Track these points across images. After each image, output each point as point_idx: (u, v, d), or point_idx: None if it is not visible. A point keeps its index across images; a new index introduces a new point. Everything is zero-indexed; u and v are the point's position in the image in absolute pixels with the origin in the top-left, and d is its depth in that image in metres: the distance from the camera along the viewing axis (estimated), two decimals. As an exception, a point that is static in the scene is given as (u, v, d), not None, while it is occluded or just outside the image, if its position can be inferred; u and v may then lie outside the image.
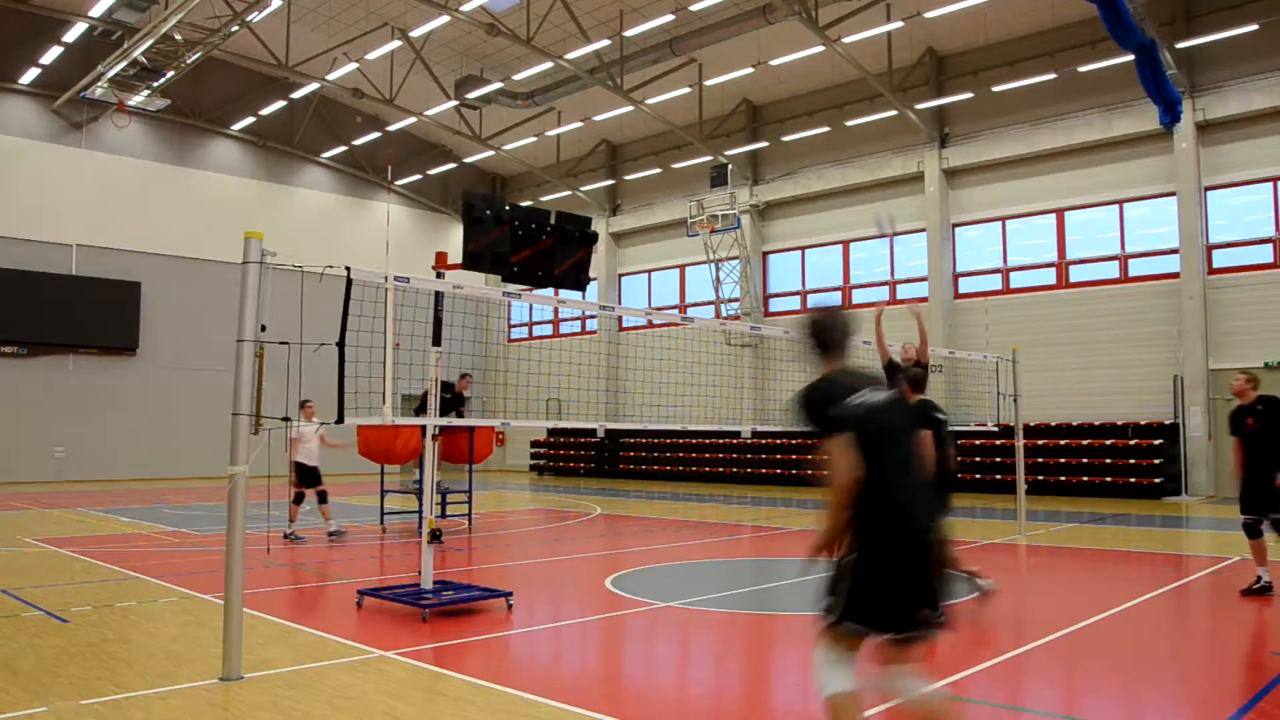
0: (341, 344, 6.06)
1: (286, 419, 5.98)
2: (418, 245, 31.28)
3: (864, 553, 3.54)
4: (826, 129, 24.67)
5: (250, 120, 28.23)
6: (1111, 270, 21.12)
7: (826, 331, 3.89)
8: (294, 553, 11.26)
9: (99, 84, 22.68)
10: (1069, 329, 21.21)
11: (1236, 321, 19.25)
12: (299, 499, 12.59)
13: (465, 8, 20.40)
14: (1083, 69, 20.42)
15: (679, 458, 27.99)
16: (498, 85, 25.16)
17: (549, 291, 8.10)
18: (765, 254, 27.35)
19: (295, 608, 7.83)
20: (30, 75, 24.65)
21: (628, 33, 22.22)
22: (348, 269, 6.15)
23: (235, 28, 20.78)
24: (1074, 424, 20.76)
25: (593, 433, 30.21)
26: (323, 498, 12.66)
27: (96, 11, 21.14)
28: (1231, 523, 7.48)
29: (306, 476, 12.58)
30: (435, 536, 7.42)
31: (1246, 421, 8.07)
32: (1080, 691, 5.38)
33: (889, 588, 3.49)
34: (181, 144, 27.92)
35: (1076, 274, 21.62)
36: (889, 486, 3.54)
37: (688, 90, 24.79)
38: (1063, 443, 20.57)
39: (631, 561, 10.88)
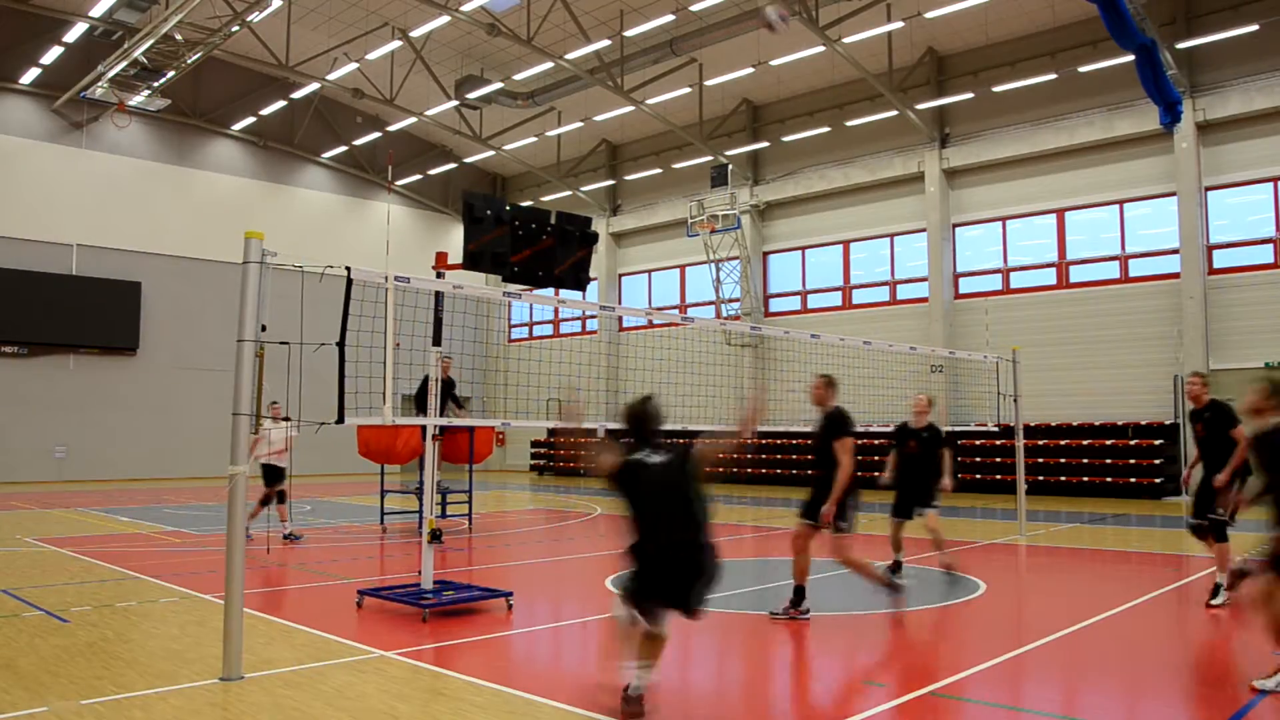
0: (342, 344, 6.06)
1: (287, 418, 5.98)
2: (418, 245, 31.30)
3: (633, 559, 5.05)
4: (827, 129, 24.67)
5: (251, 120, 28.23)
6: (1112, 270, 21.11)
7: (639, 421, 5.31)
8: (294, 553, 11.26)
9: (99, 84, 22.69)
10: (1069, 329, 21.21)
11: (1237, 322, 19.25)
12: (277, 498, 12.42)
13: (465, 8, 20.40)
14: (1083, 69, 20.42)
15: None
16: (498, 85, 25.15)
17: (549, 291, 8.10)
18: (765, 254, 27.35)
19: (295, 608, 7.83)
20: (31, 75, 24.66)
21: (628, 33, 22.22)
22: (348, 269, 6.14)
23: (235, 28, 20.79)
24: (1074, 424, 20.76)
25: (593, 433, 30.13)
26: (281, 498, 12.42)
27: (97, 11, 21.14)
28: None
29: (271, 476, 12.46)
30: (435, 536, 7.43)
31: (1195, 428, 8.16)
32: (1080, 691, 5.38)
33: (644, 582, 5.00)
34: (182, 144, 27.93)
35: (1077, 274, 21.62)
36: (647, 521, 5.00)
37: (688, 90, 24.79)
38: (1063, 443, 20.56)
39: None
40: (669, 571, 4.93)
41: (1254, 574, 5.78)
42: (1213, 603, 7.77)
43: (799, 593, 7.33)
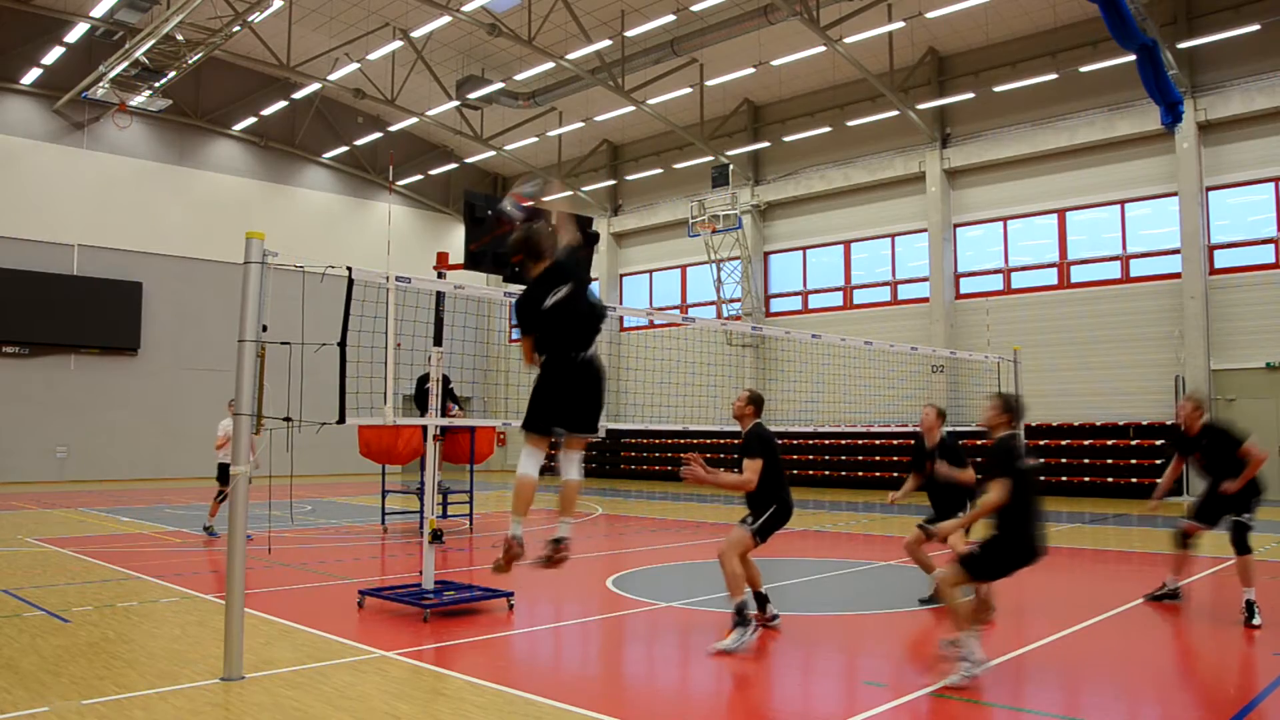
0: (343, 344, 6.07)
1: (288, 419, 5.98)
2: (419, 245, 31.31)
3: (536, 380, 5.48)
4: (828, 129, 24.66)
5: (252, 120, 28.24)
6: (1113, 270, 21.11)
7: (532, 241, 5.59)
8: (295, 553, 11.26)
9: (100, 84, 22.69)
10: (1070, 329, 21.20)
11: (1238, 322, 19.24)
12: (223, 496, 12.54)
13: (466, 8, 20.41)
14: (1084, 69, 20.41)
15: (680, 458, 27.93)
16: (499, 85, 25.16)
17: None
18: (766, 254, 27.35)
19: (296, 608, 7.83)
20: (32, 75, 24.68)
21: (629, 33, 22.22)
22: (349, 269, 6.15)
23: (236, 28, 20.80)
24: (1075, 424, 20.75)
25: (594, 433, 30.15)
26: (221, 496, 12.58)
27: (98, 12, 21.15)
28: (1171, 520, 7.46)
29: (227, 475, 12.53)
30: (436, 537, 7.43)
31: (1194, 457, 7.87)
32: (1080, 691, 5.38)
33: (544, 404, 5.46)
34: (183, 144, 27.94)
35: (1078, 274, 21.61)
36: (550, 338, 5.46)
37: (689, 90, 24.79)
38: (1064, 443, 20.56)
39: (632, 562, 10.89)
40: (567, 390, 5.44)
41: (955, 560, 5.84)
42: (1253, 623, 7.05)
43: (759, 600, 7.04)
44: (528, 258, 5.60)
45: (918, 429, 8.57)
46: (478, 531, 13.82)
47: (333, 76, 24.74)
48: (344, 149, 30.60)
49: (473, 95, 25.36)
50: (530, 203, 6.85)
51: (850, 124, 24.30)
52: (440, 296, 7.35)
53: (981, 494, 5.84)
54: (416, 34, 23.02)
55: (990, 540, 5.65)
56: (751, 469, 6.79)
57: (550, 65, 23.57)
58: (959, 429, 20.44)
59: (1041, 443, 20.50)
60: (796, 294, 26.73)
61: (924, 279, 23.71)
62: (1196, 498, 7.98)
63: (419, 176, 32.40)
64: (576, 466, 5.62)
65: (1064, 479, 20.36)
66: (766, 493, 6.79)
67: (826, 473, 24.24)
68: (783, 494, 6.88)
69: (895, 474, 23.15)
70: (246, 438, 5.67)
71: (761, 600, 7.07)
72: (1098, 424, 20.47)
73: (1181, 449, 8.00)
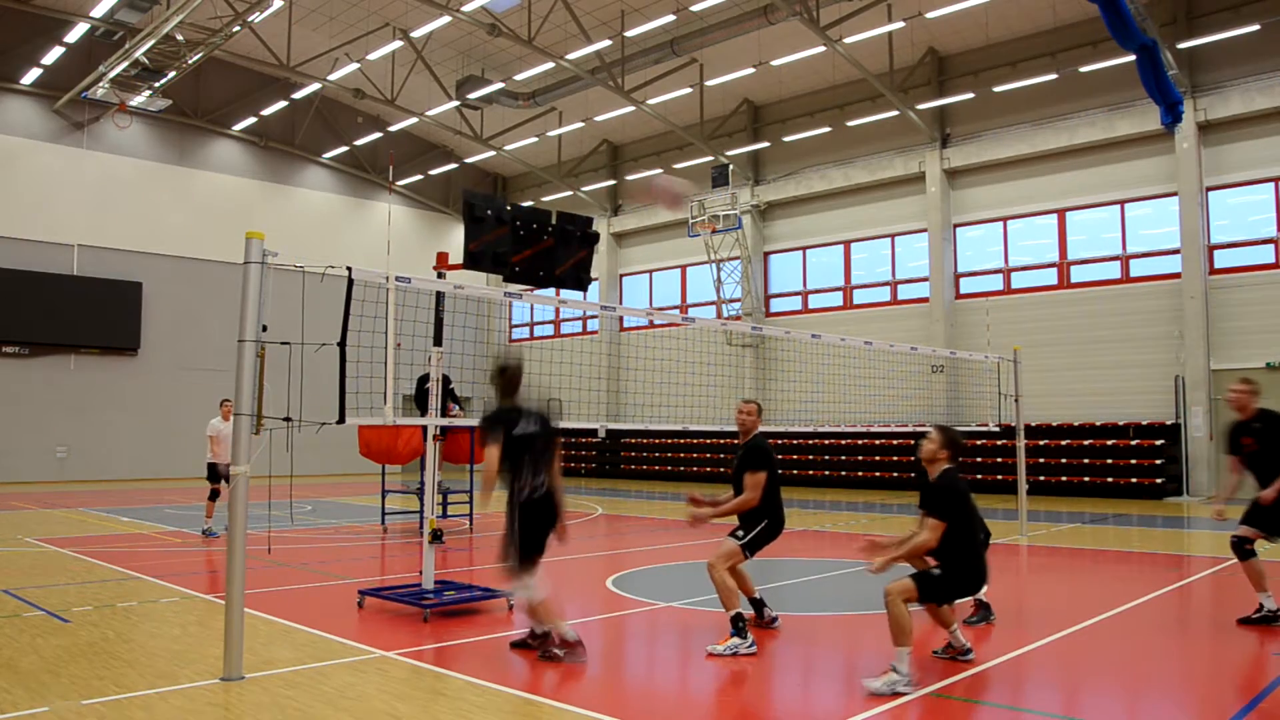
0: (343, 344, 6.07)
1: (288, 419, 5.98)
2: (419, 245, 31.31)
3: (515, 519, 6.20)
4: (828, 129, 24.67)
5: (251, 120, 28.24)
6: (1113, 270, 21.11)
7: (507, 376, 6.37)
8: (295, 553, 11.26)
9: (100, 84, 22.70)
10: (1070, 329, 21.20)
11: (1238, 322, 19.25)
12: (215, 495, 12.77)
13: (466, 8, 20.41)
14: (1084, 69, 20.41)
15: (680, 458, 28.00)
16: (499, 85, 25.16)
17: (550, 291, 8.10)
18: (766, 254, 27.35)
19: (296, 608, 7.83)
20: (32, 75, 24.68)
21: (629, 33, 22.23)
22: (349, 269, 6.15)
23: (236, 28, 20.80)
24: (1075, 424, 20.75)
25: (593, 433, 30.21)
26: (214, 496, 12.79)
27: (98, 12, 21.15)
28: (1233, 523, 7.37)
29: (217, 474, 12.71)
30: (436, 537, 7.43)
31: (1243, 441, 7.19)
32: (1080, 691, 5.38)
33: (529, 535, 6.19)
34: (183, 144, 27.94)
35: (1078, 274, 21.61)
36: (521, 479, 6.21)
37: (689, 90, 24.79)
38: (1064, 443, 20.56)
39: (632, 562, 10.88)
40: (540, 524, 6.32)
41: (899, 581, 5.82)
42: None
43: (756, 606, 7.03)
44: (504, 391, 6.41)
45: (919, 427, 8.47)
46: (478, 532, 13.82)
47: (332, 76, 24.74)
48: (344, 149, 30.60)
49: (473, 95, 25.36)
50: (675, 204, 7.24)
51: (850, 124, 24.30)
52: (440, 296, 7.35)
53: (917, 532, 5.85)
54: (416, 34, 23.02)
55: (947, 568, 5.70)
56: (754, 484, 6.70)
57: (550, 65, 23.57)
58: (960, 429, 20.35)
59: (1041, 443, 20.51)
60: (796, 294, 26.73)
61: (924, 279, 23.72)
62: (1252, 504, 7.16)
63: (419, 176, 32.40)
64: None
65: (1064, 479, 20.36)
66: (761, 507, 6.72)
67: (826, 473, 24.24)
68: (777, 511, 6.82)
69: (895, 474, 23.16)
70: (247, 437, 5.67)
71: (758, 605, 7.04)
72: (1098, 424, 20.46)
73: (1233, 442, 7.29)
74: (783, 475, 24.49)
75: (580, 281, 7.83)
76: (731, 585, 6.54)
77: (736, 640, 6.25)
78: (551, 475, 6.27)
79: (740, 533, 6.71)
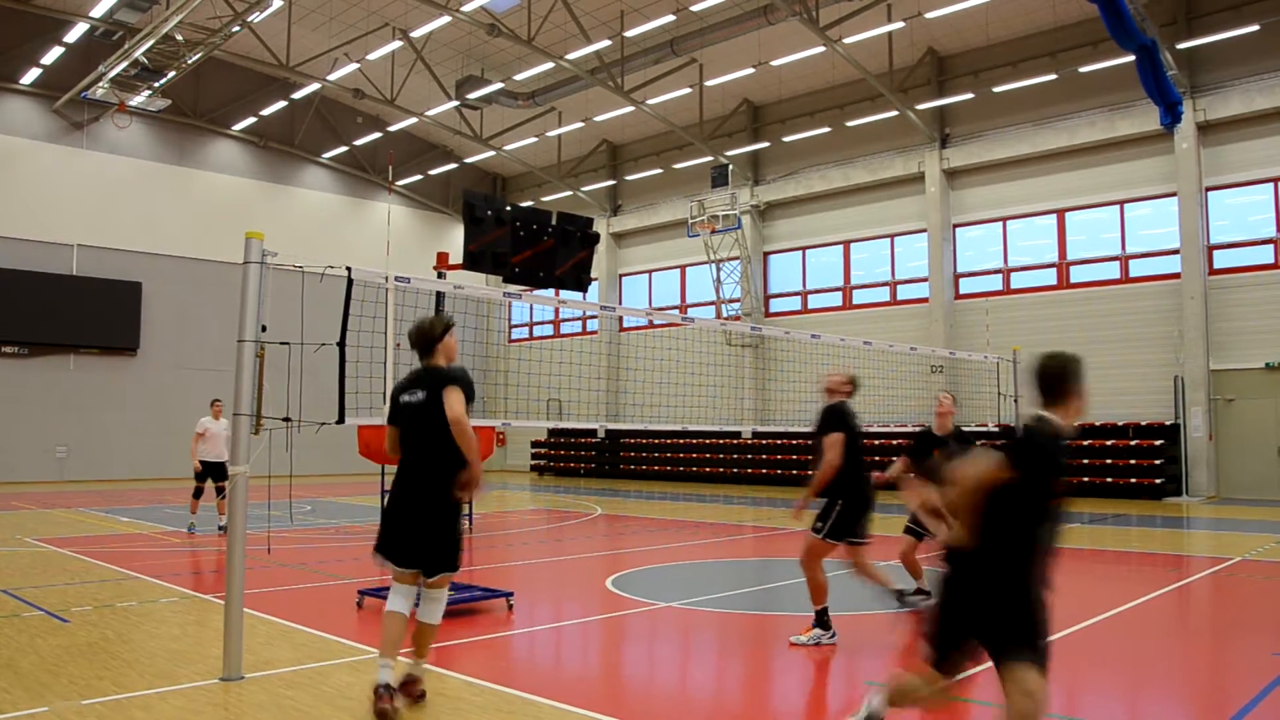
0: (342, 344, 6.07)
1: (287, 419, 5.98)
2: (418, 245, 31.30)
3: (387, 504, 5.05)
4: (827, 129, 24.67)
5: (251, 120, 28.24)
6: (1112, 271, 21.11)
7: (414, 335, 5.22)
8: (295, 553, 11.26)
9: (100, 84, 22.69)
10: (1070, 329, 21.19)
11: (1237, 322, 19.25)
12: (199, 494, 13.02)
13: (466, 8, 20.41)
14: (1084, 69, 20.41)
15: (679, 458, 27.99)
16: (498, 85, 25.16)
17: (550, 292, 8.10)
18: (766, 254, 27.35)
19: (296, 608, 7.82)
20: (31, 75, 24.67)
21: (628, 33, 22.22)
22: (348, 269, 6.15)
23: (236, 28, 20.78)
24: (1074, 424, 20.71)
25: (593, 433, 30.21)
26: (220, 493, 12.93)
27: (97, 12, 21.15)
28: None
29: (210, 472, 12.91)
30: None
31: (933, 452, 7.30)
32: (1080, 691, 5.38)
33: (386, 527, 5.00)
34: (182, 144, 27.93)
35: (1077, 274, 21.61)
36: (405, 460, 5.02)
37: (688, 90, 24.79)
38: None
39: (632, 562, 10.88)
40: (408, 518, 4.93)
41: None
42: None
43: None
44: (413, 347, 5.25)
45: (917, 427, 8.51)
46: (477, 531, 13.81)
47: (332, 76, 24.73)
48: (343, 149, 30.60)
49: (472, 95, 25.36)
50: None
51: (850, 124, 24.30)
52: (440, 296, 7.35)
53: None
54: (416, 34, 23.02)
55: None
56: (830, 444, 6.39)
57: (550, 65, 23.57)
58: (959, 429, 20.31)
59: (1041, 443, 20.46)
60: (796, 294, 26.72)
61: (923, 279, 23.71)
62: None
63: (418, 176, 32.39)
64: (439, 605, 5.04)
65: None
66: (835, 485, 6.41)
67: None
68: (853, 486, 6.42)
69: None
70: (247, 437, 5.67)
71: (898, 595, 6.71)
72: (1097, 424, 20.45)
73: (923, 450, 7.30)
74: (781, 475, 24.59)
75: (580, 282, 7.84)
76: (821, 581, 6.37)
77: (818, 631, 6.30)
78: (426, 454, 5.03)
79: (818, 524, 6.47)
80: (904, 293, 24.37)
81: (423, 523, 4.87)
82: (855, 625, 7.40)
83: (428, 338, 5.14)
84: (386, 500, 5.09)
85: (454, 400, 4.88)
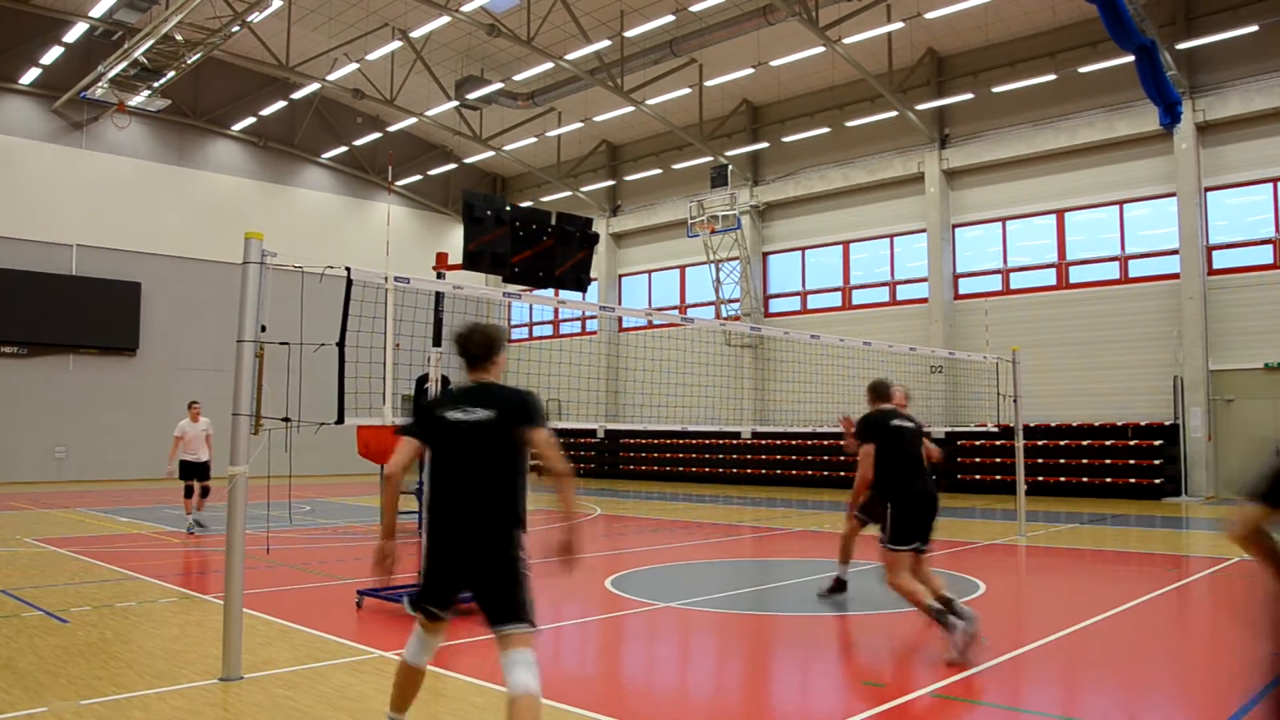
0: (341, 344, 6.06)
1: (287, 419, 5.97)
2: (418, 245, 31.28)
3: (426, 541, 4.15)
4: (827, 130, 24.67)
5: (251, 120, 28.23)
6: (1112, 271, 21.11)
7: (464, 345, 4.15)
8: (294, 553, 11.26)
9: (99, 84, 22.69)
10: (1069, 330, 21.21)
11: (1236, 322, 19.25)
12: (189, 492, 13.25)
13: (466, 8, 20.41)
14: (1083, 69, 20.42)
15: (679, 458, 27.99)
16: (498, 86, 25.16)
17: (549, 292, 8.10)
18: (765, 254, 27.35)
19: (295, 608, 7.82)
20: (31, 75, 24.66)
21: (628, 33, 22.23)
22: (348, 269, 6.15)
23: (236, 28, 20.79)
24: (1074, 425, 20.75)
25: (593, 433, 30.20)
26: (205, 492, 13.28)
27: (97, 12, 21.14)
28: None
29: (190, 471, 13.20)
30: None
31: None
32: (1080, 691, 5.38)
33: (430, 571, 4.15)
34: (182, 144, 27.93)
35: (1077, 275, 21.62)
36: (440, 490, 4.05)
37: (688, 91, 24.80)
38: (1063, 443, 20.56)
39: (631, 562, 10.88)
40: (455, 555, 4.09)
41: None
42: None
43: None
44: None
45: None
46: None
47: (332, 77, 24.73)
48: (343, 149, 30.59)
49: (472, 95, 25.36)
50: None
51: (849, 124, 24.30)
52: (439, 296, 7.35)
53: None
54: (416, 34, 23.02)
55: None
56: (861, 456, 6.39)
57: (549, 65, 23.57)
58: (958, 429, 20.44)
59: (1040, 443, 20.50)
60: (795, 294, 26.72)
61: (923, 279, 23.71)
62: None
63: (418, 177, 32.39)
64: (529, 670, 3.98)
65: (1062, 479, 20.36)
66: (880, 491, 6.39)
67: (825, 473, 24.23)
68: (900, 487, 6.29)
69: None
70: (246, 437, 5.66)
71: (946, 603, 6.21)
72: (1096, 424, 20.46)
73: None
74: (781, 475, 24.63)
75: (579, 282, 7.84)
76: (914, 589, 6.16)
77: (950, 630, 5.86)
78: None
79: (881, 536, 6.34)
80: (903, 293, 24.37)
81: (484, 559, 4.06)
82: (856, 625, 7.41)
83: (491, 347, 4.13)
84: (427, 539, 4.21)
85: (554, 449, 4.07)
